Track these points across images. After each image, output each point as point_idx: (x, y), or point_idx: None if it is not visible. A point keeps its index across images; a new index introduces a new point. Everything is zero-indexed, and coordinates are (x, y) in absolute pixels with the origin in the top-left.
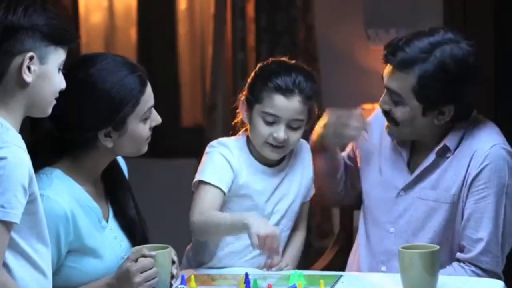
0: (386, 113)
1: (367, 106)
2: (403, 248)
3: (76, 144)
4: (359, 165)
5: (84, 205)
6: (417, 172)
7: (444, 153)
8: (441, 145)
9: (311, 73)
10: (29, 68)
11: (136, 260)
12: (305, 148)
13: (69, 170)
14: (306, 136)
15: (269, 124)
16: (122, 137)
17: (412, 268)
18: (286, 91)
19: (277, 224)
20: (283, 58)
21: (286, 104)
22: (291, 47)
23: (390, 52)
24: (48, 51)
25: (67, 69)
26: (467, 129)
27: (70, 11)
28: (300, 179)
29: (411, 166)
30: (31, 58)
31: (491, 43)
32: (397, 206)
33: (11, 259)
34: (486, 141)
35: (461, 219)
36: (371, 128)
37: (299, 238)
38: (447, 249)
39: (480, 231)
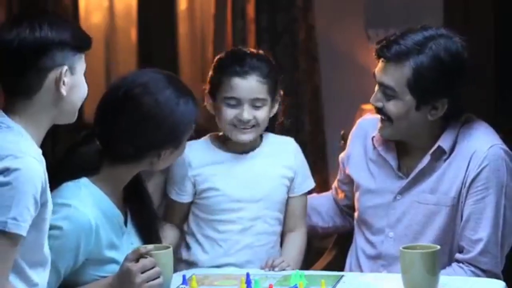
0: (379, 111)
1: (367, 106)
2: (404, 248)
3: (125, 157)
4: (354, 181)
5: (108, 215)
6: (412, 174)
7: (440, 155)
8: (435, 146)
9: (265, 55)
10: (63, 81)
11: (137, 260)
12: (288, 143)
13: (97, 179)
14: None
15: (233, 107)
16: (173, 153)
17: (413, 268)
18: (241, 73)
19: (257, 213)
20: (240, 47)
21: (243, 85)
22: (292, 47)
23: (384, 46)
24: (76, 61)
25: (125, 90)
26: (460, 130)
27: (70, 11)
28: (278, 169)
29: (403, 170)
30: (65, 71)
31: (491, 43)
32: (395, 210)
33: None
34: (484, 142)
35: (461, 221)
36: (356, 140)
37: (297, 237)
38: (447, 251)
39: (479, 232)
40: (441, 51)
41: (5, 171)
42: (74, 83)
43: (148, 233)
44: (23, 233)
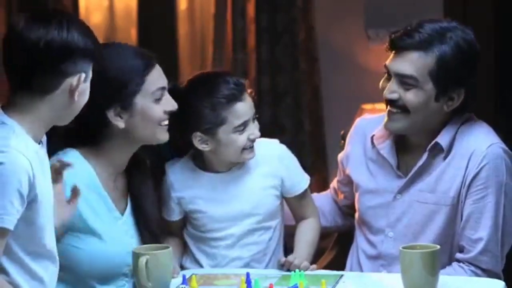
0: (393, 103)
1: (367, 106)
2: (403, 248)
3: (90, 127)
4: (353, 181)
5: (94, 190)
6: (411, 172)
7: (437, 152)
8: (432, 143)
9: (229, 71)
10: (78, 87)
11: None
12: (271, 149)
13: (88, 154)
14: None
15: (242, 131)
16: (133, 117)
17: (413, 268)
18: (238, 96)
19: (244, 228)
20: (196, 75)
21: (245, 106)
22: (291, 47)
23: (404, 34)
24: (90, 68)
25: None
26: (460, 128)
27: (70, 11)
28: (263, 181)
29: (402, 168)
30: (84, 78)
31: (491, 43)
32: (394, 210)
33: (8, 265)
34: (483, 141)
35: (461, 221)
36: (355, 140)
37: (305, 227)
38: (448, 251)
39: (479, 231)
40: (460, 40)
41: None
42: (84, 90)
43: (144, 229)
44: (8, 226)
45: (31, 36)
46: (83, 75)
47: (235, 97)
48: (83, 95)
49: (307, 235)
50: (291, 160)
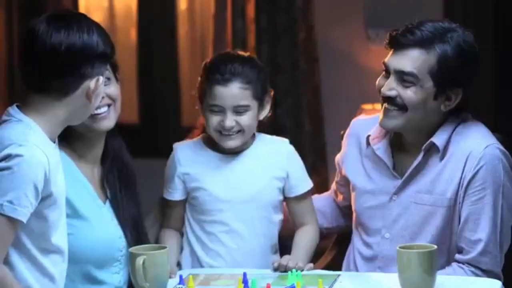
0: (390, 101)
1: (367, 106)
2: (401, 247)
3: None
4: (350, 182)
5: (75, 177)
6: (407, 173)
7: (433, 152)
8: (428, 142)
9: (250, 58)
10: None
11: None
12: (281, 145)
13: (62, 146)
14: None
15: (217, 113)
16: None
17: (410, 267)
18: (222, 81)
19: (243, 214)
20: (228, 50)
21: (225, 93)
22: (291, 48)
23: (407, 31)
24: (105, 71)
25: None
26: (456, 129)
27: None
28: (268, 170)
29: (398, 169)
30: (102, 81)
31: (491, 43)
32: (391, 211)
33: (16, 259)
34: (480, 142)
35: (458, 222)
36: (350, 141)
37: (304, 233)
38: (445, 251)
39: (478, 232)
40: (461, 41)
41: (8, 157)
42: (98, 92)
43: (123, 220)
44: (20, 217)
45: (52, 40)
46: (101, 78)
47: (217, 81)
48: (98, 96)
49: (305, 241)
50: (298, 160)
